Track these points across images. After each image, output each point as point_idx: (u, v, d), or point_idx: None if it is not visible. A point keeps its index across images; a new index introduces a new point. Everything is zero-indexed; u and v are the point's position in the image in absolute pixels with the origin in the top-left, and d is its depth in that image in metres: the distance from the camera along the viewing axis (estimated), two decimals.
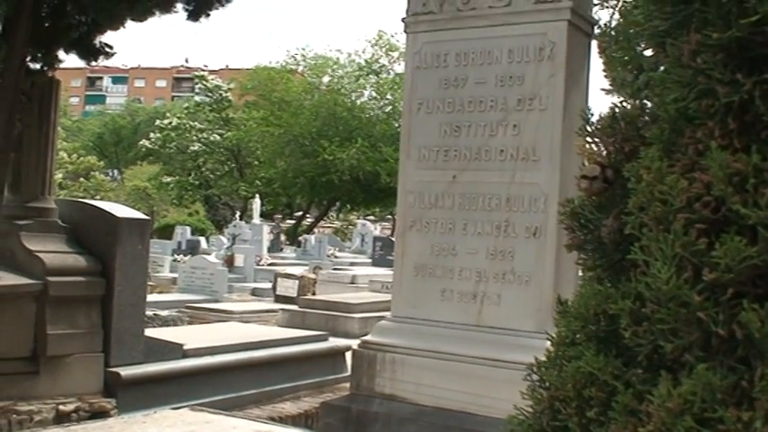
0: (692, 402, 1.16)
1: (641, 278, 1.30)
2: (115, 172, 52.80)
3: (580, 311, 1.46)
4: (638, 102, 1.53)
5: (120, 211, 6.51)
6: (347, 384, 4.98)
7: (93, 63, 6.75)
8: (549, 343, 1.54)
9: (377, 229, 32.26)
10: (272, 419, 6.01)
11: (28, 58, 6.19)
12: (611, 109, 1.60)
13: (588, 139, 1.58)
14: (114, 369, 6.01)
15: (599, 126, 1.57)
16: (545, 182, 4.06)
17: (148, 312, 10.37)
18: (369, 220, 38.93)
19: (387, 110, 37.48)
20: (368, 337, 4.65)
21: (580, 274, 1.66)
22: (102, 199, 28.66)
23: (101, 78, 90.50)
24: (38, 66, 6.29)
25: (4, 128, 4.73)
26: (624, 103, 1.57)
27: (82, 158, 43.28)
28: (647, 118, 1.49)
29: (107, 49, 6.51)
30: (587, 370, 1.36)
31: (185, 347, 6.73)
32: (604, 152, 1.55)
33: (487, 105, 4.36)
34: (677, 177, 1.29)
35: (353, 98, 39.21)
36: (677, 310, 1.22)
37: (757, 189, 1.20)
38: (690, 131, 1.33)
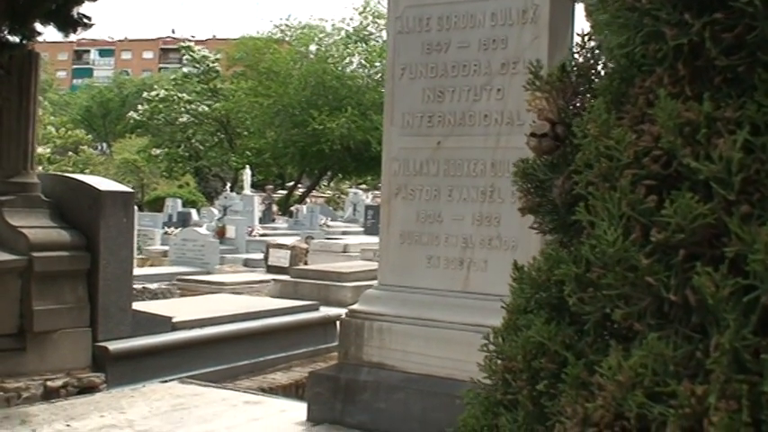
0: (644, 375, 1.06)
1: (587, 241, 1.20)
2: (104, 145, 52.54)
3: (533, 277, 1.38)
4: (590, 55, 1.44)
5: (103, 184, 6.44)
6: None
7: (73, 35, 6.64)
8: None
9: (369, 198, 32.17)
10: (263, 390, 6.01)
11: (5, 31, 6.09)
12: (561, 62, 1.51)
13: (538, 93, 1.47)
14: (102, 343, 5.98)
15: (548, 80, 1.47)
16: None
17: (137, 286, 10.35)
18: (360, 188, 38.85)
19: (376, 77, 37.25)
20: (355, 306, 4.62)
21: None
22: (91, 173, 28.53)
23: (87, 52, 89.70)
24: (16, 39, 6.19)
25: None
26: (577, 55, 1.48)
27: (70, 132, 43.02)
28: (600, 69, 1.40)
29: (85, 21, 6.40)
30: (537, 340, 1.27)
31: (174, 320, 6.71)
32: (555, 108, 1.44)
33: (471, 70, 4.30)
34: (625, 130, 1.19)
35: (342, 67, 38.97)
36: (625, 275, 1.12)
37: (710, 140, 1.10)
38: (640, 80, 1.23)
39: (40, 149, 30.65)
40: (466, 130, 4.30)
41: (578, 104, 1.43)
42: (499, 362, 1.37)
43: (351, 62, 39.69)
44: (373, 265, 10.85)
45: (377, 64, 37.49)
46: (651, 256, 1.12)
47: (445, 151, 4.35)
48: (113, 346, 6.01)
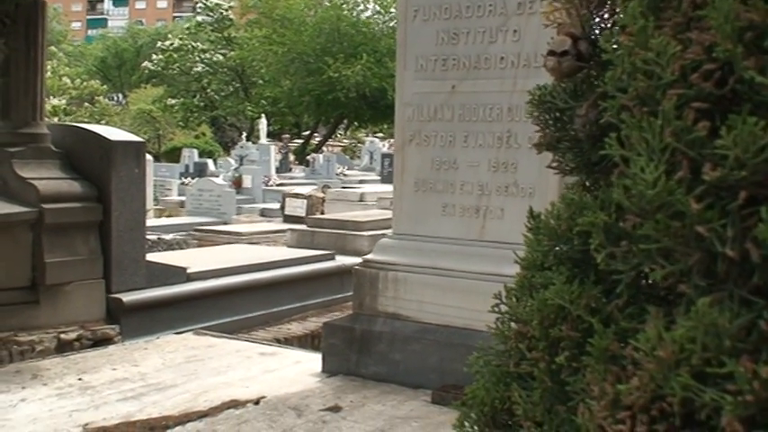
0: (691, 351, 0.83)
1: (619, 181, 0.94)
2: (120, 96, 52.42)
3: (551, 226, 1.15)
4: None
5: (114, 134, 6.34)
6: None
7: None
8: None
9: (385, 146, 31.94)
10: (278, 341, 5.97)
11: None
12: None
13: (556, 3, 1.21)
14: (116, 295, 5.94)
15: None
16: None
17: (153, 236, 10.34)
18: (377, 137, 38.60)
19: (391, 24, 36.75)
20: (369, 256, 4.54)
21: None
22: (107, 124, 28.46)
23: (101, 1, 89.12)
24: None
25: None
26: None
27: (85, 84, 42.89)
28: None
29: None
30: (556, 302, 1.04)
31: (189, 271, 6.66)
32: (578, 20, 1.17)
33: (486, 10, 4.14)
34: (667, 40, 0.92)
35: (357, 13, 38.48)
36: (668, 224, 0.88)
37: None
38: None
39: (55, 101, 30.64)
40: (481, 73, 4.15)
41: (606, 16, 1.18)
42: (513, 325, 1.18)
43: (365, 9, 39.18)
44: (389, 214, 10.76)
45: (392, 10, 36.97)
46: (702, 199, 0.89)
47: (460, 96, 4.21)
48: (127, 297, 5.97)
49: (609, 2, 1.20)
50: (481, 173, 4.15)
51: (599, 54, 1.14)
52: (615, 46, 1.04)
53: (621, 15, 1.07)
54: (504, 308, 1.22)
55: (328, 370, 4.37)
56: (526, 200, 3.98)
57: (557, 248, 1.17)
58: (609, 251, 0.99)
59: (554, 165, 1.29)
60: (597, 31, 1.20)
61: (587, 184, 1.21)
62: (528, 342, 1.12)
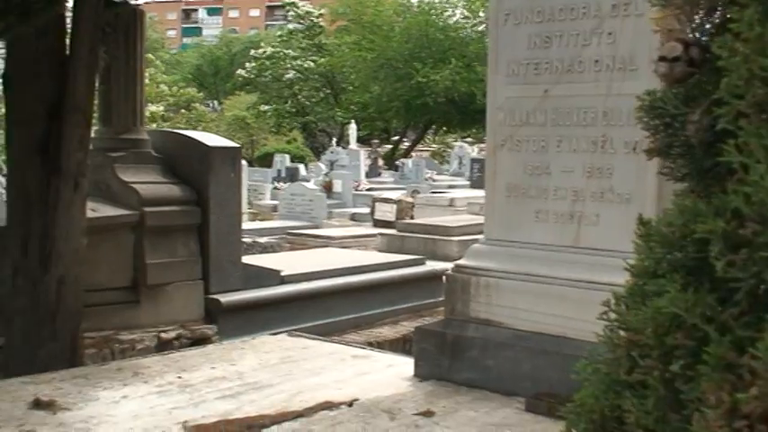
0: None
1: (738, 188, 0.95)
2: (215, 102, 53.63)
3: (663, 233, 1.14)
4: None
5: (211, 140, 6.53)
6: None
7: None
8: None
9: (474, 151, 31.80)
10: (370, 344, 6.02)
11: None
12: None
13: (666, 9, 1.21)
14: (214, 296, 6.11)
15: None
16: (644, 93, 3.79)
17: (248, 239, 10.57)
18: (466, 142, 38.46)
19: (479, 28, 36.60)
20: (461, 261, 4.53)
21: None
22: (203, 130, 29.17)
23: (195, 10, 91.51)
24: None
25: (87, 58, 4.74)
26: None
27: (182, 91, 44.02)
28: None
29: None
30: (671, 310, 1.03)
31: (283, 273, 6.79)
32: (688, 26, 1.18)
33: (579, 12, 4.09)
34: None
35: (445, 18, 38.45)
36: None
37: None
38: None
39: (153, 107, 31.53)
40: (575, 77, 4.10)
41: (717, 21, 1.16)
42: (622, 333, 1.16)
43: (453, 13, 39.13)
44: (480, 219, 10.73)
45: (480, 14, 36.82)
46: None
47: (553, 100, 4.18)
48: (225, 298, 6.13)
49: (719, 8, 1.18)
50: (575, 178, 4.10)
51: (710, 60, 1.12)
52: (729, 52, 1.03)
53: (734, 22, 1.04)
54: (612, 315, 1.21)
55: (420, 374, 4.39)
56: (623, 206, 3.91)
57: (669, 256, 1.15)
58: (728, 259, 0.98)
59: (665, 171, 1.29)
60: (706, 38, 1.18)
61: (697, 189, 1.19)
62: (640, 350, 1.10)
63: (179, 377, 4.40)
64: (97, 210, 5.50)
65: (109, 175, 5.90)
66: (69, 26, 4.91)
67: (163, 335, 5.54)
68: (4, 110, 5.20)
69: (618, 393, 1.12)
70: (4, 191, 5.78)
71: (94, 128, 5.86)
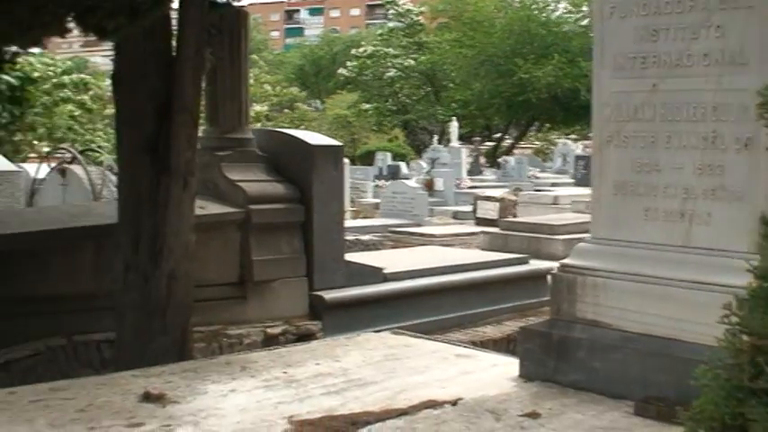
0: None
1: None
2: (317, 102, 54.41)
3: None
4: None
5: (314, 138, 6.62)
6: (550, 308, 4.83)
7: None
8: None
9: (579, 148, 31.24)
10: (473, 344, 5.99)
11: None
12: None
13: None
14: (318, 293, 6.19)
15: None
16: (755, 87, 3.63)
17: (351, 237, 10.67)
18: (570, 138, 37.82)
19: (583, 23, 35.93)
20: (567, 260, 4.45)
21: None
22: (306, 128, 29.62)
23: (297, 11, 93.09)
24: None
25: (193, 59, 4.85)
26: None
27: (285, 90, 44.79)
28: None
29: None
30: None
31: (385, 271, 6.82)
32: None
33: (687, 6, 3.95)
34: None
35: (547, 13, 37.90)
36: None
37: None
38: None
39: (258, 107, 32.21)
40: (683, 71, 3.98)
41: None
42: (745, 338, 1.10)
43: (556, 8, 38.53)
44: (585, 218, 10.54)
45: (584, 8, 36.14)
46: None
47: (661, 94, 4.06)
48: (329, 295, 6.20)
49: None
50: (685, 175, 3.97)
51: None
52: None
53: None
54: (733, 318, 1.15)
55: (525, 375, 4.33)
56: (735, 204, 3.77)
57: None
58: None
59: None
60: None
61: None
62: (766, 356, 1.05)
63: (285, 372, 4.47)
64: (205, 207, 5.65)
65: (216, 173, 6.05)
66: (175, 28, 5.02)
67: (269, 330, 5.65)
68: (114, 110, 5.36)
69: (740, 401, 1.06)
70: (115, 189, 5.98)
71: (201, 127, 6.00)
